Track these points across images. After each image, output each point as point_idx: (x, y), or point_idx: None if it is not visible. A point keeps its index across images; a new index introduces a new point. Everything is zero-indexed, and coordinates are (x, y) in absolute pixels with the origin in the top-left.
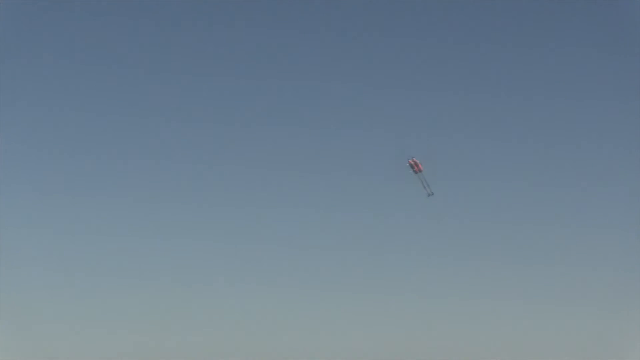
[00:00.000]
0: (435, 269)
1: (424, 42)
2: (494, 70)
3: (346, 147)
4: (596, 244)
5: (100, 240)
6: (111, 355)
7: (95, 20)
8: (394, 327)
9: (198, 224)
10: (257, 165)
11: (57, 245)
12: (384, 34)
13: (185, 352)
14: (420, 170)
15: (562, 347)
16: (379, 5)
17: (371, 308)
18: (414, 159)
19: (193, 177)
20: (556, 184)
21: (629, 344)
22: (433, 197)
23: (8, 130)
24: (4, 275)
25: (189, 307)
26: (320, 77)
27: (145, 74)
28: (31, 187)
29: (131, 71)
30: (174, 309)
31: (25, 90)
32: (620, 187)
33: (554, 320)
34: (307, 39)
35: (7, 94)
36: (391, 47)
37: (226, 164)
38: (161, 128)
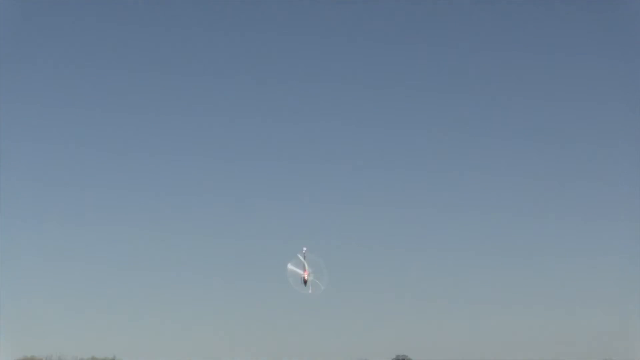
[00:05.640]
0: (434, 267)
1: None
2: (493, 70)
3: None
4: (596, 242)
5: (100, 240)
6: (112, 354)
7: (95, 20)
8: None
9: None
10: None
11: (57, 245)
12: None
13: (185, 352)
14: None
15: (562, 346)
16: None
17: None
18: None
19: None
20: (555, 182)
21: (629, 344)
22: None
23: (8, 130)
24: (4, 275)
25: (189, 306)
26: None
27: (146, 73)
28: (32, 187)
29: (132, 71)
30: (174, 308)
31: (25, 90)
32: (620, 187)
33: (553, 320)
34: None
35: (7, 94)
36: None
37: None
38: (160, 127)
